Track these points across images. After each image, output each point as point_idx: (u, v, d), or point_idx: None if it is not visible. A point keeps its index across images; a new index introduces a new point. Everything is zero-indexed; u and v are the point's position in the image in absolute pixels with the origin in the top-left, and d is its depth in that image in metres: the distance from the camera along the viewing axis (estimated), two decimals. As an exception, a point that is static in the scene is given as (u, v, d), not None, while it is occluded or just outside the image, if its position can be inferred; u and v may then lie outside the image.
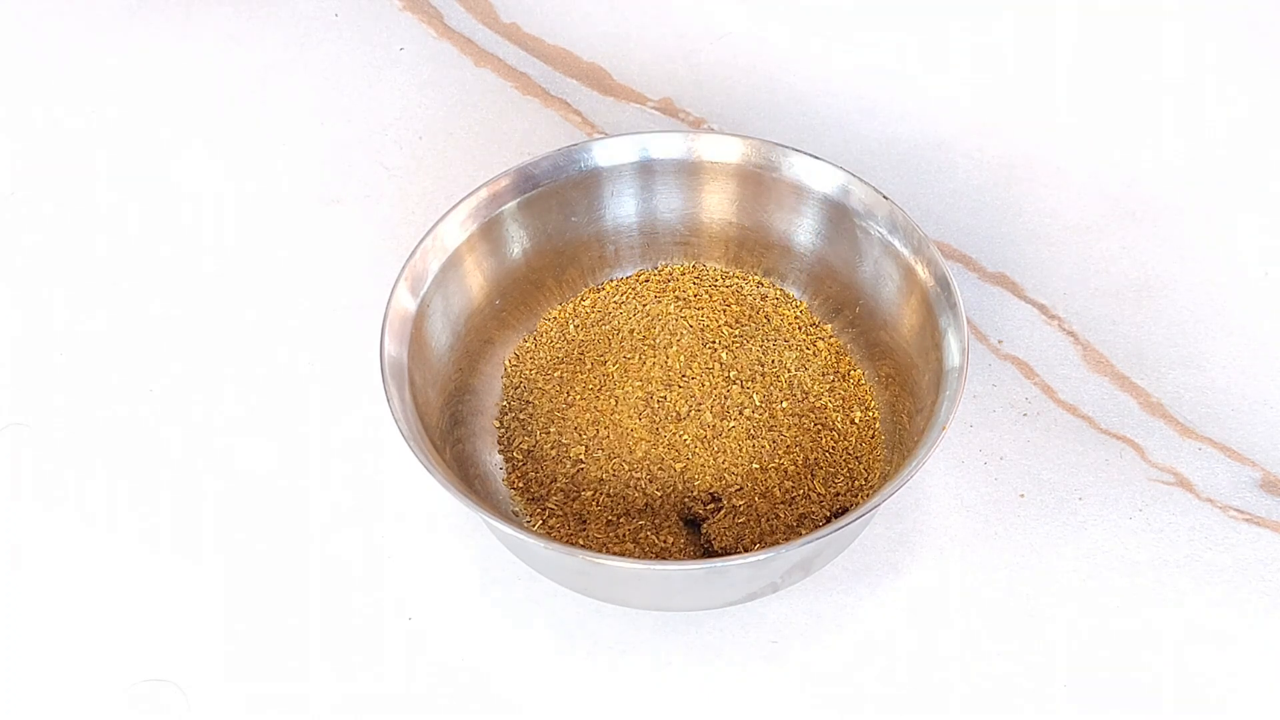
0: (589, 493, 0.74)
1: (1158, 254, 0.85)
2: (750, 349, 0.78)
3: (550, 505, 0.74)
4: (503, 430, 0.77)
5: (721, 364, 0.77)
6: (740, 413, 0.75)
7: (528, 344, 0.79)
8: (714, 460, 0.74)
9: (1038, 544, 0.75)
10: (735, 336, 0.78)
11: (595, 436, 0.76)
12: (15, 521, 0.77)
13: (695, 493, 0.74)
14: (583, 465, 0.75)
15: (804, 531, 0.72)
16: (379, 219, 0.87)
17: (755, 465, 0.74)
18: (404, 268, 0.74)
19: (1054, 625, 0.73)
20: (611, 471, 0.75)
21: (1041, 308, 0.83)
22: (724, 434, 0.75)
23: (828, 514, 0.73)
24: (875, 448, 0.76)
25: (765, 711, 0.70)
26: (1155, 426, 0.78)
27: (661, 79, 0.92)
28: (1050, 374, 0.80)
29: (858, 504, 0.73)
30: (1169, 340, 0.81)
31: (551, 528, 0.73)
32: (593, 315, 0.80)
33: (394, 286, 0.73)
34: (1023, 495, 0.76)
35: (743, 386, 0.76)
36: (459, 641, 0.73)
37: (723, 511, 0.73)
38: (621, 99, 0.91)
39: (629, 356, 0.78)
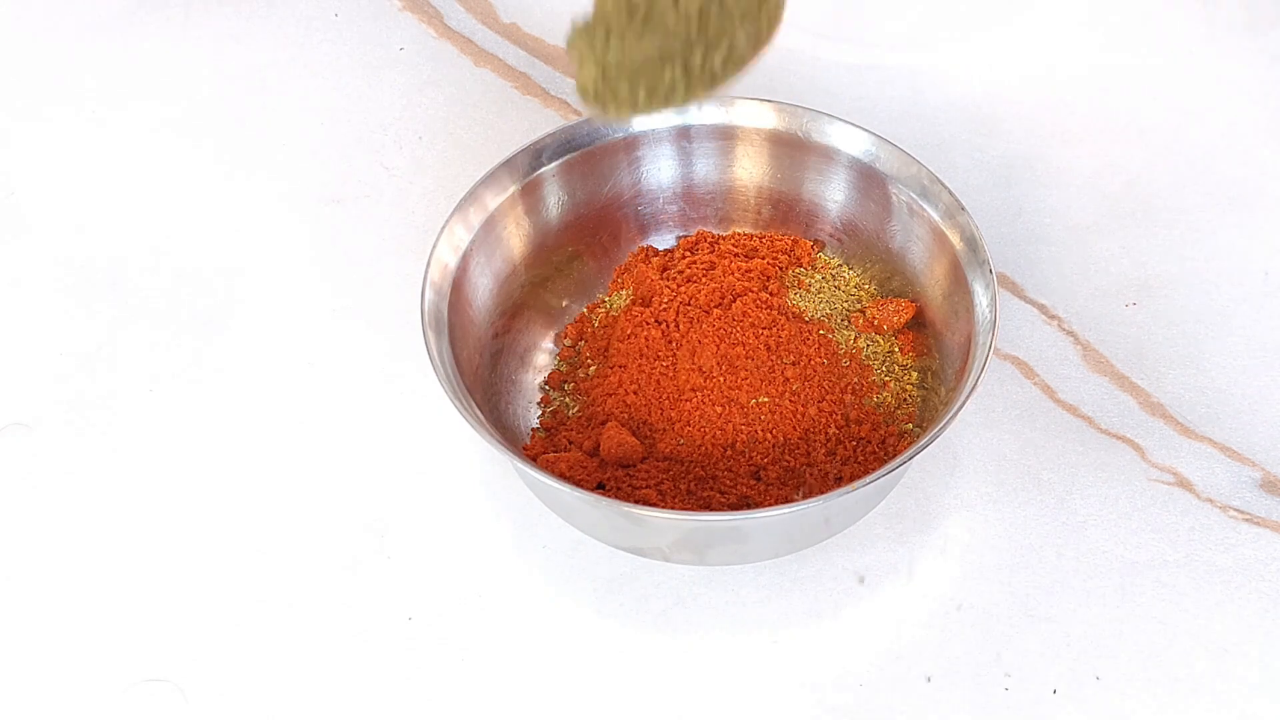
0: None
1: (1158, 254, 0.85)
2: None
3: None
4: (564, 372, 0.79)
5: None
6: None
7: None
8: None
9: (1037, 544, 0.75)
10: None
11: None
12: (15, 521, 0.77)
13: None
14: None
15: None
16: (379, 219, 0.87)
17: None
18: (443, 227, 0.75)
19: (1053, 625, 0.73)
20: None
21: (1041, 308, 0.83)
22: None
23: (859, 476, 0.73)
24: (909, 413, 0.76)
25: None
26: (1155, 426, 0.78)
27: (661, 79, 0.92)
28: (1050, 374, 0.80)
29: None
30: (1169, 340, 0.81)
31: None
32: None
33: (434, 243, 0.75)
34: (1022, 496, 0.76)
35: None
36: (468, 629, 0.73)
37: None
38: (621, 99, 0.91)
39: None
